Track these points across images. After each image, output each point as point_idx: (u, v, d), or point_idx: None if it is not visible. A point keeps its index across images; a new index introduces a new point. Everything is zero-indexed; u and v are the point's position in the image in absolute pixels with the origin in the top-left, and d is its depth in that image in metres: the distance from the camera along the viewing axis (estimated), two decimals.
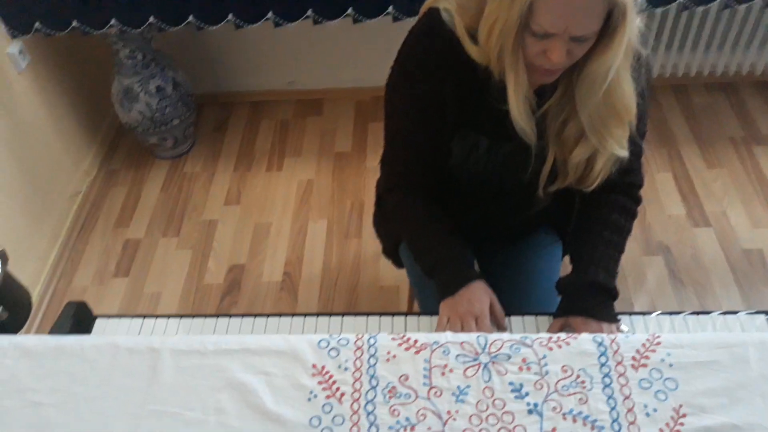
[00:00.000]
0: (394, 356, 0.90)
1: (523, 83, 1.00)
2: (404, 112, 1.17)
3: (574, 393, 0.86)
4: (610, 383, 0.86)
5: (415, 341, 0.91)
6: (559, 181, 1.15)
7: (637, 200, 1.24)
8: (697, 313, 1.10)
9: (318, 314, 1.19)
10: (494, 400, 0.86)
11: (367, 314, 1.19)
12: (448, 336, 0.92)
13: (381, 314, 1.19)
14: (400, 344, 0.91)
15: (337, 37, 2.66)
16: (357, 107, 2.86)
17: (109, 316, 1.23)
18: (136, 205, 2.53)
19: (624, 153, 1.08)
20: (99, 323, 1.23)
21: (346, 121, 2.81)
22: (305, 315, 1.19)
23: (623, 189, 1.22)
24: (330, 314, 1.19)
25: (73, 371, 0.91)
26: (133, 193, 2.58)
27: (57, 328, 1.19)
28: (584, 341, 0.91)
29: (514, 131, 1.07)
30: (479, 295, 1.13)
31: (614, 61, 0.95)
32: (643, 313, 1.14)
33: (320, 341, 0.92)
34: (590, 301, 1.12)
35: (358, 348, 0.91)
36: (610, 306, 1.13)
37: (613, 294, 1.14)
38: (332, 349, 0.92)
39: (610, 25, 0.92)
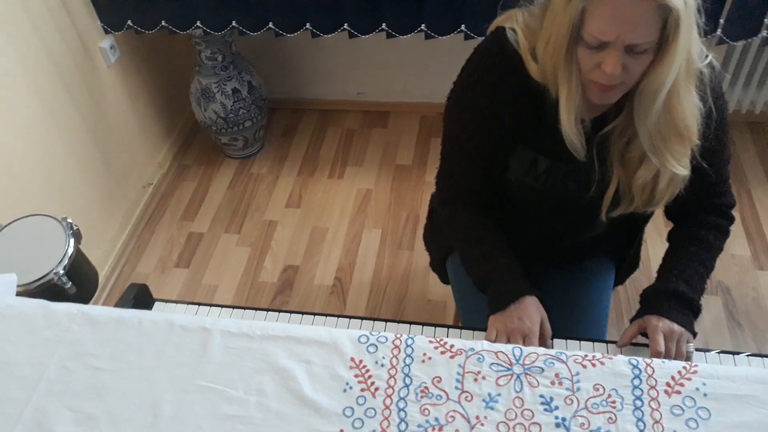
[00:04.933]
0: (430, 358, 0.93)
1: (575, 96, 1.00)
2: (463, 124, 1.19)
3: (604, 412, 0.86)
4: (641, 406, 0.87)
5: (452, 346, 0.94)
6: (624, 206, 1.15)
7: (729, 218, 1.23)
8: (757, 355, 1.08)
9: (363, 318, 1.21)
10: (523, 410, 0.88)
11: (410, 323, 1.20)
12: (484, 344, 0.94)
13: (424, 324, 1.19)
14: (436, 347, 0.94)
15: (409, 52, 2.71)
16: (422, 122, 2.90)
17: (167, 301, 1.29)
18: (203, 200, 2.64)
19: (684, 171, 1.07)
20: (157, 306, 1.29)
21: (409, 135, 2.85)
22: (350, 317, 1.20)
23: (714, 209, 1.22)
24: (375, 319, 1.21)
25: (130, 341, 0.98)
26: (201, 188, 2.69)
27: (119, 306, 1.23)
28: (619, 363, 0.92)
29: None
30: (530, 312, 1.13)
31: (668, 74, 0.94)
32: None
33: (360, 336, 0.96)
34: (667, 305, 1.12)
35: (396, 347, 0.95)
36: (688, 316, 1.12)
37: (693, 306, 1.12)
38: (371, 345, 0.95)
39: (665, 38, 0.91)
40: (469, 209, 1.27)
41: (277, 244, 2.43)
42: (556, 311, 1.20)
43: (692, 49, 0.96)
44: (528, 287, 1.17)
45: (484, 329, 1.18)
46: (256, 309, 1.27)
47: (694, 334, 1.11)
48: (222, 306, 1.28)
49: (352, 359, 0.94)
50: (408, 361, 0.93)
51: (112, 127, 2.35)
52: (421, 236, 2.41)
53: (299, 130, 2.93)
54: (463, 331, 1.20)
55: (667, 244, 1.27)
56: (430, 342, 0.95)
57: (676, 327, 1.08)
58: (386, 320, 1.21)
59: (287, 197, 2.62)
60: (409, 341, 0.95)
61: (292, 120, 2.98)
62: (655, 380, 0.89)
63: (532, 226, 1.32)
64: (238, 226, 2.52)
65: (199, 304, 1.29)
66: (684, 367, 0.90)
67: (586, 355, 0.92)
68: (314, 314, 1.24)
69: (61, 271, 1.46)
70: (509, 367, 0.92)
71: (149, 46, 2.54)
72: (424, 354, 0.94)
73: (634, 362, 0.91)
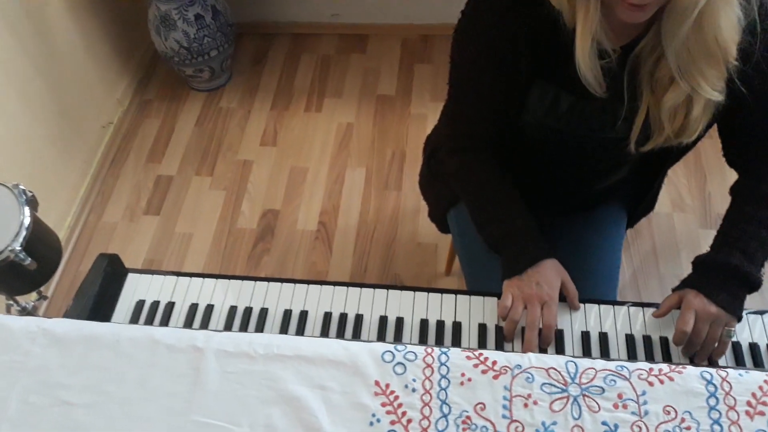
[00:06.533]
0: (470, 379, 0.79)
1: (594, 20, 0.87)
2: (472, 60, 1.06)
3: None
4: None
5: (494, 362, 0.80)
6: (655, 137, 1.01)
7: None
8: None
9: (349, 284, 1.11)
10: None
11: (414, 289, 1.12)
12: (531, 360, 0.80)
13: (430, 290, 1.12)
14: (476, 365, 0.80)
15: None
16: (403, 46, 2.69)
17: (141, 272, 1.20)
18: (170, 139, 2.44)
19: (719, 97, 0.92)
20: (131, 278, 1.20)
21: (391, 61, 2.64)
22: (335, 284, 1.12)
23: None
24: (362, 285, 1.11)
25: (107, 366, 0.82)
26: (167, 126, 2.48)
27: (89, 283, 1.15)
28: (690, 377, 0.79)
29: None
30: (549, 276, 1.03)
31: None
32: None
33: (384, 353, 0.81)
34: (714, 280, 1.00)
35: (428, 365, 0.80)
36: (737, 294, 1.00)
37: (749, 281, 0.99)
38: (398, 364, 0.81)
39: None
40: (482, 160, 1.15)
41: (253, 187, 2.27)
42: (567, 262, 1.10)
43: None
44: (547, 249, 1.07)
45: (495, 293, 1.09)
46: (243, 278, 1.18)
47: (739, 318, 1.00)
48: (203, 276, 1.20)
49: (377, 383, 0.79)
50: (444, 383, 0.79)
51: (62, 62, 2.11)
52: (408, 175, 2.30)
53: (270, 58, 2.70)
54: (473, 298, 1.11)
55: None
56: (468, 358, 0.80)
57: (713, 309, 0.98)
58: (388, 287, 1.12)
59: (261, 134, 2.43)
60: (443, 358, 0.80)
61: (261, 46, 2.73)
62: (734, 399, 0.77)
63: (547, 171, 1.21)
64: (210, 168, 2.34)
65: (178, 274, 1.20)
66: (765, 381, 0.78)
67: (651, 369, 0.79)
68: (297, 282, 1.14)
69: (18, 247, 1.29)
70: (564, 387, 0.78)
71: None
72: (462, 374, 0.79)
73: (708, 376, 0.78)
